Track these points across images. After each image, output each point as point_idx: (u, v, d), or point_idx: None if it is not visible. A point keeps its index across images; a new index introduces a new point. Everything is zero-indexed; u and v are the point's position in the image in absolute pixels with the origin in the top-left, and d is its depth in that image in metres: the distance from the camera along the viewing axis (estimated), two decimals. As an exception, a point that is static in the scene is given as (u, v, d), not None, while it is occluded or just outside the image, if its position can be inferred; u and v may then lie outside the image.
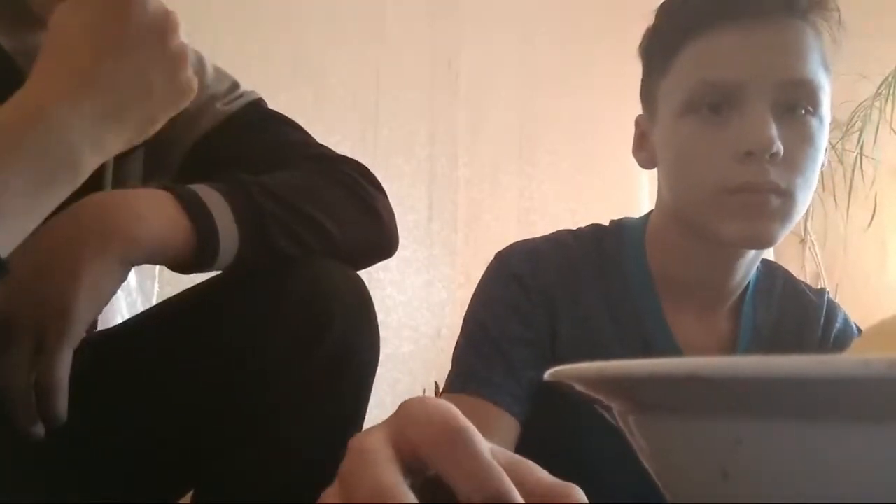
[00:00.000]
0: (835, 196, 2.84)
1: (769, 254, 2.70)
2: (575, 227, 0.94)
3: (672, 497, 0.31)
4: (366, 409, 0.72)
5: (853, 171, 2.81)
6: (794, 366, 0.23)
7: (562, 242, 0.89)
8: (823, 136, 0.79)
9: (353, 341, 0.68)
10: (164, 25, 0.56)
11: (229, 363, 0.63)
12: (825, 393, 0.23)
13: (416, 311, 2.11)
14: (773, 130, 0.74)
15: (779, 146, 0.74)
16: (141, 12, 0.56)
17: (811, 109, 0.77)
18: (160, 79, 0.56)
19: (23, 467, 0.55)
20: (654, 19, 0.85)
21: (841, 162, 2.84)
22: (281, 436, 0.66)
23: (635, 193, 2.46)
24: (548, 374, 0.33)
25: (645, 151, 0.88)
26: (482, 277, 0.89)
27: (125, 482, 0.68)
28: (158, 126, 0.57)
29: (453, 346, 0.87)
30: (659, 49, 0.83)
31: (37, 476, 0.61)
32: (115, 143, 0.54)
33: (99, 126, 0.52)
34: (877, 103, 2.79)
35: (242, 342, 0.64)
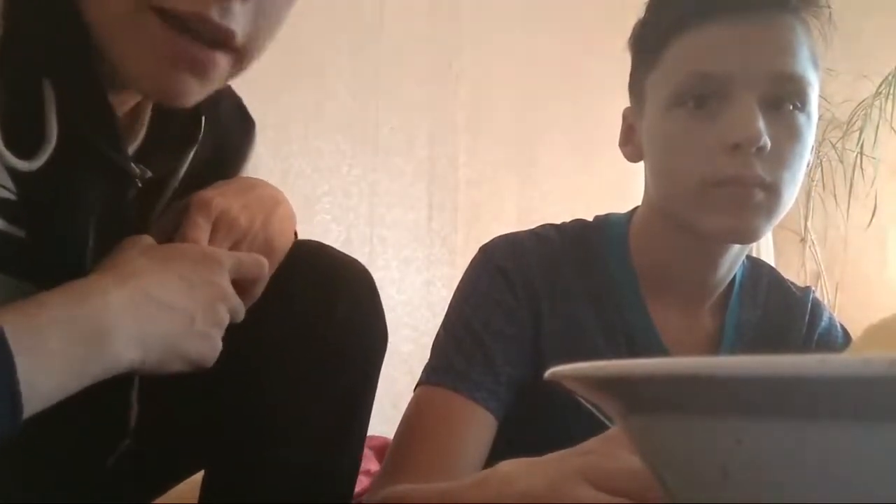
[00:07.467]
0: (835, 195, 2.84)
1: (769, 253, 2.70)
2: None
3: (672, 497, 0.31)
4: (373, 396, 0.73)
5: (853, 170, 2.81)
6: (794, 365, 0.23)
7: (545, 237, 0.89)
8: (811, 133, 0.78)
9: (359, 324, 0.70)
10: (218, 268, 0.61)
11: (233, 345, 0.63)
12: (825, 393, 0.23)
13: (416, 310, 2.11)
14: (761, 124, 0.74)
15: (766, 140, 0.74)
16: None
17: (799, 105, 0.77)
18: (201, 307, 0.58)
19: (28, 456, 0.56)
20: (643, 13, 0.85)
21: (841, 161, 2.84)
22: (276, 418, 0.67)
23: (635, 193, 2.46)
24: (547, 374, 0.33)
25: (631, 145, 0.88)
26: (466, 270, 0.89)
27: (133, 465, 0.69)
28: (190, 357, 0.59)
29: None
30: (648, 42, 0.83)
31: (41, 463, 0.62)
32: (150, 334, 0.55)
33: (135, 310, 0.54)
34: (877, 102, 2.79)
35: (246, 325, 0.65)
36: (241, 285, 0.64)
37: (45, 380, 0.48)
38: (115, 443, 0.66)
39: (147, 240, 0.60)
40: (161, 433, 0.68)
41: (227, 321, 0.61)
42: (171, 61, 0.53)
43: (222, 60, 0.55)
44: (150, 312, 0.55)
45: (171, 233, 0.64)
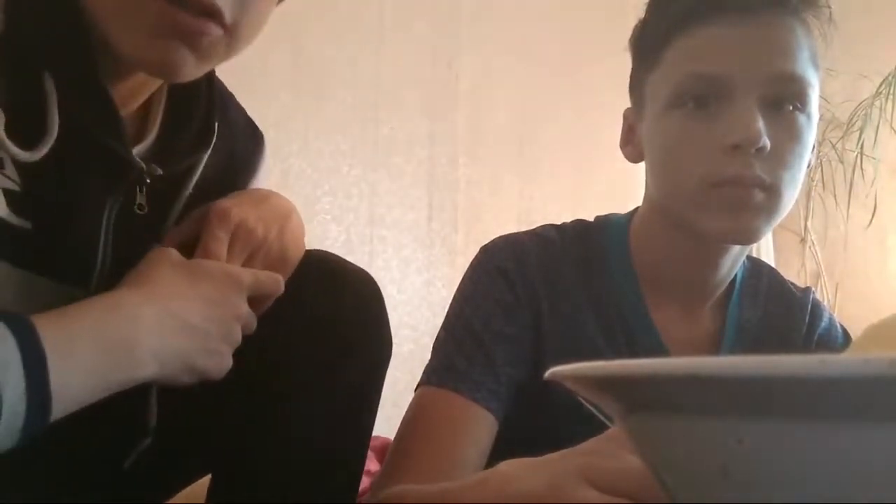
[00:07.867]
0: (835, 195, 2.84)
1: (769, 253, 2.70)
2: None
3: (672, 497, 0.31)
4: (377, 400, 0.73)
5: (853, 170, 2.81)
6: (794, 365, 0.23)
7: (546, 237, 0.89)
8: (811, 134, 0.78)
9: (365, 331, 0.71)
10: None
11: (245, 350, 0.64)
12: (825, 393, 0.23)
13: (416, 310, 2.11)
14: (761, 124, 0.74)
15: (765, 140, 0.74)
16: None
17: (799, 105, 0.77)
18: (218, 326, 0.60)
19: (49, 454, 0.57)
20: (643, 13, 0.85)
21: (841, 161, 2.84)
22: (282, 420, 0.68)
23: (635, 194, 2.46)
24: (547, 374, 0.33)
25: (632, 145, 0.88)
26: (467, 271, 0.89)
27: (148, 465, 0.70)
28: (202, 366, 0.60)
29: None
30: (648, 43, 0.83)
31: (51, 465, 0.63)
32: (169, 351, 0.57)
33: (160, 328, 0.56)
34: (877, 102, 2.79)
35: (257, 332, 0.66)
36: (255, 298, 0.65)
37: (74, 383, 0.49)
38: (135, 442, 0.68)
39: (174, 255, 0.62)
40: (177, 433, 0.69)
41: (240, 340, 0.63)
42: (163, 32, 0.54)
43: (214, 30, 0.56)
44: (173, 330, 0.57)
45: (191, 240, 0.65)
